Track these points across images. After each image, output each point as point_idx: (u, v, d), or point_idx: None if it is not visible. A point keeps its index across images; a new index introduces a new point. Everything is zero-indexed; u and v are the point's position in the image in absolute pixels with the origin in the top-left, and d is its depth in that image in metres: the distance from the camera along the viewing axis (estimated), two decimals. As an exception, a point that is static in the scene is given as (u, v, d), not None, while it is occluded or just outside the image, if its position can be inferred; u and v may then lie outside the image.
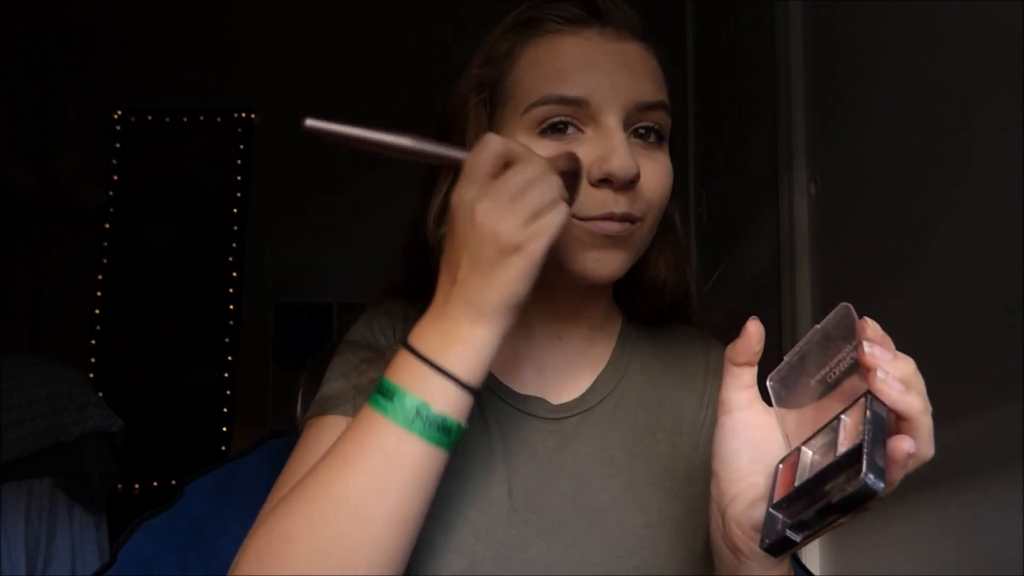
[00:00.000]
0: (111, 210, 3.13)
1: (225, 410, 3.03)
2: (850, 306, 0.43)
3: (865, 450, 0.37)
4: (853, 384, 0.43)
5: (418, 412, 0.48)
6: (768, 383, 0.48)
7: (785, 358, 0.47)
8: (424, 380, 0.49)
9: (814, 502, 0.39)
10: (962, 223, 0.85)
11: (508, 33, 0.62)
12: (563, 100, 0.57)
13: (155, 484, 2.92)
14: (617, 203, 0.57)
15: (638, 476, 0.62)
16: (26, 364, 2.05)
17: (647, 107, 0.59)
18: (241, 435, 3.01)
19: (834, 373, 0.44)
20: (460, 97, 0.63)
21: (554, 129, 0.58)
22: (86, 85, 3.15)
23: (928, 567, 0.89)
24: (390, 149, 0.50)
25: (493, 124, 0.62)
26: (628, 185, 0.57)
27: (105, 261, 3.11)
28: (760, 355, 0.48)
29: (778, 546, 0.40)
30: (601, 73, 0.58)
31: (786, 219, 1.32)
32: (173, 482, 2.89)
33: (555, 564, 0.57)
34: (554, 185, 0.49)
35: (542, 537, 0.58)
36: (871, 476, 0.36)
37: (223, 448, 3.00)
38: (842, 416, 0.41)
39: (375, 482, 0.48)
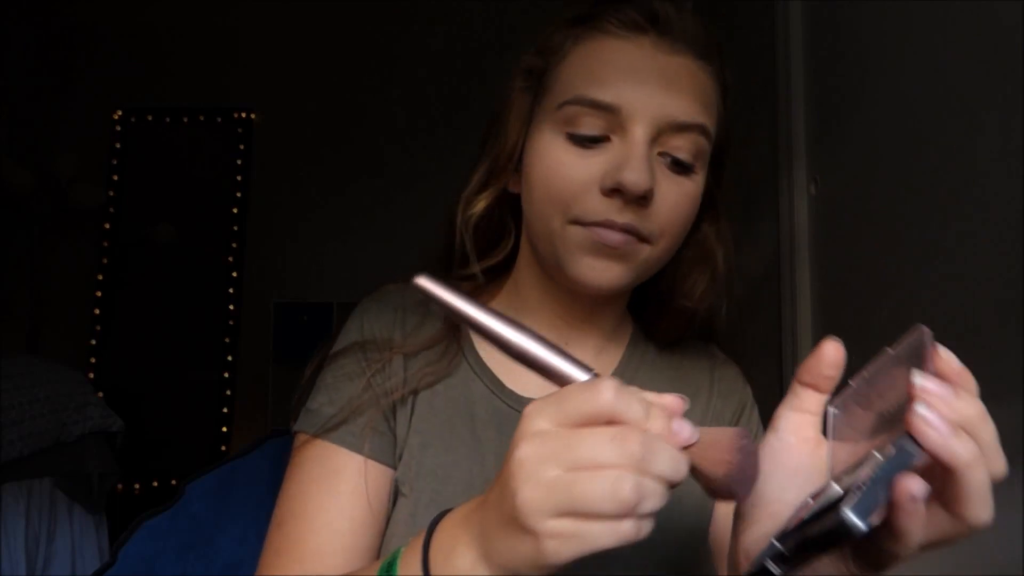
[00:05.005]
0: (111, 210, 3.12)
1: (225, 410, 3.03)
2: (925, 329, 0.37)
3: (863, 486, 0.32)
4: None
5: None
6: (828, 409, 0.42)
7: (851, 382, 0.41)
8: None
9: (802, 535, 0.35)
10: (962, 223, 0.85)
11: (565, 27, 0.61)
12: (595, 104, 0.56)
13: (155, 484, 2.92)
14: (621, 214, 0.55)
15: None
16: (26, 364, 2.05)
17: (681, 126, 0.56)
18: (241, 435, 3.01)
19: (894, 407, 0.36)
20: (510, 82, 0.63)
21: (581, 136, 0.56)
22: (86, 85, 3.14)
23: (928, 567, 0.89)
24: (490, 336, 0.41)
25: (532, 114, 0.61)
26: (639, 201, 0.55)
27: (105, 261, 3.10)
28: (834, 381, 0.42)
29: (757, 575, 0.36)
30: (638, 83, 0.56)
31: (786, 219, 1.32)
32: (173, 482, 2.89)
33: None
34: (644, 491, 0.35)
35: None
36: (850, 513, 0.31)
37: (223, 448, 3.00)
38: (874, 452, 0.35)
39: None
